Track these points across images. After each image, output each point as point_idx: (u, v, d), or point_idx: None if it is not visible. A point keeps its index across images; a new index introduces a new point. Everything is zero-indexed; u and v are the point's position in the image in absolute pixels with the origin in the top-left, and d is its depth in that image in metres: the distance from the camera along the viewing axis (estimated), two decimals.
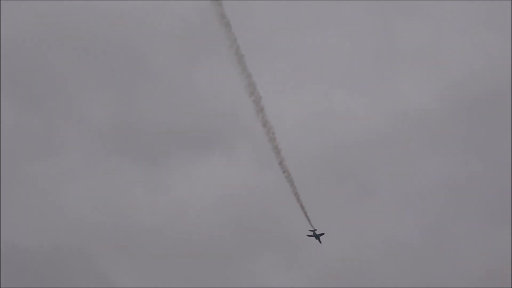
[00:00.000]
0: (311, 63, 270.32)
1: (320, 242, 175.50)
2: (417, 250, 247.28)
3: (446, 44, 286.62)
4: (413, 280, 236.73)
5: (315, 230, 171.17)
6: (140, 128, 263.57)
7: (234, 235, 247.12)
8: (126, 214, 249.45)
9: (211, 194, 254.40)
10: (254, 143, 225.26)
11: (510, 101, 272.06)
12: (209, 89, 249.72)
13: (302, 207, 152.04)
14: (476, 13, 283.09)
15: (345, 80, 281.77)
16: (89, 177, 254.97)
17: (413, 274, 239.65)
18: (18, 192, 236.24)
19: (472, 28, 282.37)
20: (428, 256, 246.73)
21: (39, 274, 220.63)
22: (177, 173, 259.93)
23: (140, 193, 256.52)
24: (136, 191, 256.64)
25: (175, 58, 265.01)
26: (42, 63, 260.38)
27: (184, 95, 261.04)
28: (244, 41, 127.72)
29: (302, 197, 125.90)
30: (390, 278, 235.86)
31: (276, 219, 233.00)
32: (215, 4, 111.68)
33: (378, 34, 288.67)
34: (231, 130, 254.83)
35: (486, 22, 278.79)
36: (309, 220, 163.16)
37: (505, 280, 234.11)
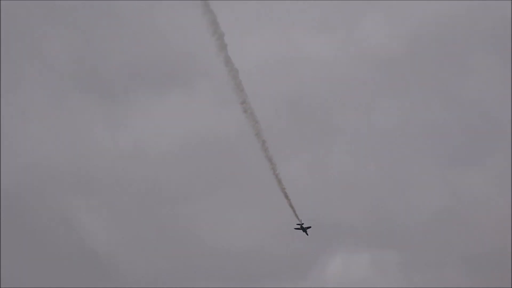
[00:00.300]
0: (274, 2, 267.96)
1: (307, 235, 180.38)
2: (376, 190, 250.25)
3: None
4: (370, 218, 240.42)
5: (302, 224, 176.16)
6: (100, 67, 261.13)
7: (193, 174, 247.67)
8: (86, 152, 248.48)
9: (171, 132, 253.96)
10: (215, 82, 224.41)
11: (473, 45, 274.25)
12: (170, 27, 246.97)
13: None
14: None
15: (308, 21, 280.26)
16: (49, 115, 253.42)
17: (371, 214, 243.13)
18: None
19: None
20: (387, 197, 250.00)
21: None
22: (137, 112, 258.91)
23: (99, 131, 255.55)
24: (96, 130, 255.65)
25: None
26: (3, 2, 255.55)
27: (145, 33, 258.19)
28: None
29: (263, 134, 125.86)
30: (348, 216, 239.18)
31: (236, 158, 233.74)
32: None
33: None
34: (192, 69, 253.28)
35: None
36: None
37: (459, 218, 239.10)
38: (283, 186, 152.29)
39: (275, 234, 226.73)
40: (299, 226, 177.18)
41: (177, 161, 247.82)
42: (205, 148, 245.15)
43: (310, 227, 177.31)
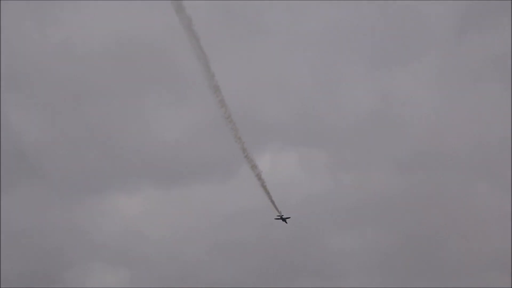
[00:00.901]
0: None
1: (286, 223, 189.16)
2: (305, 90, 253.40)
3: None
4: (299, 118, 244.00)
5: (282, 215, 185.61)
6: None
7: (123, 72, 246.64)
8: (14, 48, 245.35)
9: (101, 30, 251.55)
10: None
11: None
12: None
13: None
14: None
15: None
16: None
17: (301, 113, 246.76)
18: None
19: None
20: (316, 97, 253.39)
21: None
22: (67, 8, 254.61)
23: (28, 28, 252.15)
24: (25, 26, 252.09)
25: None
26: None
27: None
28: None
29: (196, 34, 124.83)
30: (277, 115, 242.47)
31: (167, 58, 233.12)
32: None
33: None
34: None
35: None
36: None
37: (388, 119, 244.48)
38: (216, 84, 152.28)
39: (204, 134, 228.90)
40: (279, 217, 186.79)
41: (107, 59, 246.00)
42: (136, 47, 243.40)
43: (289, 217, 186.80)
